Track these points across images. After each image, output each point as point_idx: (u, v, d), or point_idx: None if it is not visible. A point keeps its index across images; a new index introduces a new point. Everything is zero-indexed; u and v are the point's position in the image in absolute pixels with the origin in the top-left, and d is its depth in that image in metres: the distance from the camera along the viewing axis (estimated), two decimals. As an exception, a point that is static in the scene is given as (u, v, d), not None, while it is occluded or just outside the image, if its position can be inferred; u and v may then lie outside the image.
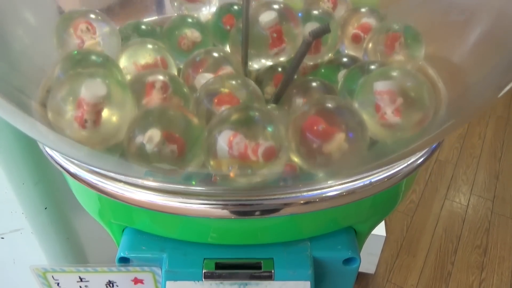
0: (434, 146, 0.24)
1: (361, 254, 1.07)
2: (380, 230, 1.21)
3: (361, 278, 1.37)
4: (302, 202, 0.18)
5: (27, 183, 0.45)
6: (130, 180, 0.19)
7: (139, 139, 0.18)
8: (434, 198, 1.66)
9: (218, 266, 0.21)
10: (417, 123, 0.21)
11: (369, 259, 1.26)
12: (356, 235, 0.23)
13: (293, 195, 0.19)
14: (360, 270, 1.22)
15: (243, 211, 0.19)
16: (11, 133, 0.41)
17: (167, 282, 0.20)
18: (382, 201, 0.22)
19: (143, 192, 0.18)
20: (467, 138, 1.97)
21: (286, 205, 0.18)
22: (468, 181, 1.74)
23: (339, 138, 0.20)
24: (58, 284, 0.24)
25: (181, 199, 0.18)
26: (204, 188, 0.19)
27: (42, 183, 0.46)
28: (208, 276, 0.20)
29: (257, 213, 0.18)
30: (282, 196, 0.18)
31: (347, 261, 0.21)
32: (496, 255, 1.45)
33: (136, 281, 0.23)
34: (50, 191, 0.48)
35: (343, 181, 0.19)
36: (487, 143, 1.95)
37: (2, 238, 0.47)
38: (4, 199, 0.44)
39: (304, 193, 0.19)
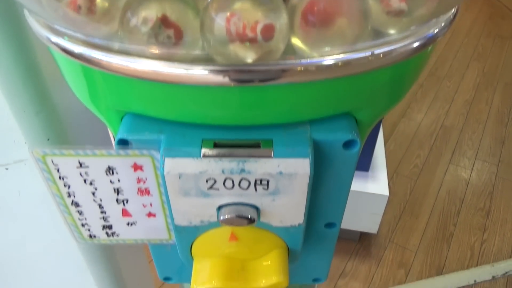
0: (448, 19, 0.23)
1: (364, 214, 1.09)
2: (383, 190, 1.21)
3: (363, 238, 1.39)
4: (300, 69, 0.18)
5: (29, 111, 0.45)
6: (129, 48, 0.18)
7: (133, 21, 0.18)
8: (439, 163, 1.65)
9: (217, 145, 0.21)
10: (424, 8, 0.20)
11: (372, 219, 1.27)
12: (358, 125, 0.23)
13: (293, 61, 0.18)
14: (363, 230, 1.24)
15: (243, 79, 0.18)
16: (10, 56, 0.40)
17: (166, 159, 0.20)
18: (383, 85, 0.21)
19: (142, 61, 0.18)
20: (474, 104, 1.94)
21: (284, 71, 0.18)
22: (473, 146, 1.73)
23: (341, 22, 0.19)
24: (58, 170, 0.24)
25: (182, 65, 0.18)
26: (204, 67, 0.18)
27: (43, 113, 0.46)
28: (207, 154, 0.20)
29: (256, 80, 0.18)
30: (282, 62, 0.18)
31: (347, 144, 0.20)
32: (499, 217, 1.45)
33: (136, 167, 0.23)
34: (53, 121, 0.48)
35: (344, 51, 0.18)
36: (494, 109, 1.92)
37: (6, 169, 0.48)
38: (6, 127, 0.44)
39: (303, 61, 0.18)
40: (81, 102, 0.26)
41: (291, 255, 0.26)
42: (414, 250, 1.35)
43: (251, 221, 0.22)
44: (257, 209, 0.23)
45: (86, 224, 0.27)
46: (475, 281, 1.26)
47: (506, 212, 1.47)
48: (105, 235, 0.28)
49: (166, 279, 0.33)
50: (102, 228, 0.28)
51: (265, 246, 0.25)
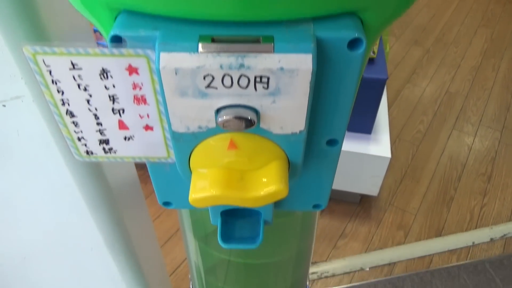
0: None
1: (365, 176, 1.09)
2: (385, 152, 1.21)
3: (364, 201, 1.39)
4: None
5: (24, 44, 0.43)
6: None
7: None
8: (442, 128, 1.64)
9: (215, 41, 0.20)
10: None
11: (373, 181, 1.27)
12: (364, 28, 0.21)
13: None
14: (364, 192, 1.24)
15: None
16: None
17: (161, 54, 0.19)
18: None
19: None
20: (480, 71, 1.91)
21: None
22: (477, 112, 1.71)
23: None
24: (50, 72, 0.23)
25: None
26: None
27: (39, 47, 0.45)
28: (204, 48, 0.19)
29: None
30: None
31: (353, 44, 0.19)
32: (500, 182, 1.45)
33: (131, 69, 0.22)
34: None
35: None
36: (500, 75, 1.89)
37: (3, 106, 0.47)
38: (1, 61, 0.43)
39: None
40: (75, 8, 0.25)
41: (291, 169, 0.25)
42: (414, 213, 1.36)
43: (250, 123, 0.21)
44: (256, 112, 0.22)
45: (83, 138, 0.27)
46: (473, 243, 1.27)
47: (507, 177, 1.47)
48: (102, 151, 0.28)
49: (166, 203, 0.33)
50: (99, 143, 0.27)
51: (265, 156, 0.24)
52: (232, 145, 0.23)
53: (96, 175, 0.56)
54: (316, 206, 0.32)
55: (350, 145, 1.23)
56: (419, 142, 1.59)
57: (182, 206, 0.33)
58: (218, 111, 0.22)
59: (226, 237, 0.31)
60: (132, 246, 0.69)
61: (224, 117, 0.21)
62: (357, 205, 1.39)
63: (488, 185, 1.45)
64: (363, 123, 1.26)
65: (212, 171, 0.24)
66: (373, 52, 1.16)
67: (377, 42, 1.21)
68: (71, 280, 0.69)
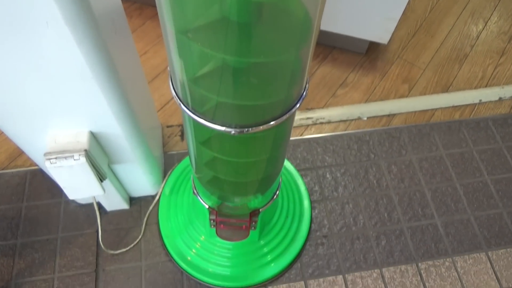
0: None
1: (378, 18, 0.92)
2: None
3: (371, 51, 1.28)
4: None
5: None
6: None
7: None
8: (469, -19, 1.44)
9: None
10: None
11: (385, 25, 1.13)
12: None
13: None
14: (373, 39, 1.11)
15: None
16: None
17: None
18: None
19: None
20: None
21: None
22: (513, -36, 1.49)
23: None
24: None
25: None
26: None
27: None
28: None
29: None
30: None
31: None
32: (522, 43, 1.32)
33: None
34: None
35: None
36: None
37: None
38: None
39: None
40: None
41: None
42: (422, 67, 1.26)
43: None
44: None
45: None
46: (480, 100, 1.20)
47: (530, 38, 1.34)
48: None
49: None
50: None
51: None
52: None
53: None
54: None
55: (367, -24, 1.05)
56: (441, -6, 1.41)
57: None
58: None
59: None
60: (117, 74, 0.59)
61: None
62: (362, 55, 1.27)
63: (508, 45, 1.32)
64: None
65: None
66: None
67: None
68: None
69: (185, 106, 0.47)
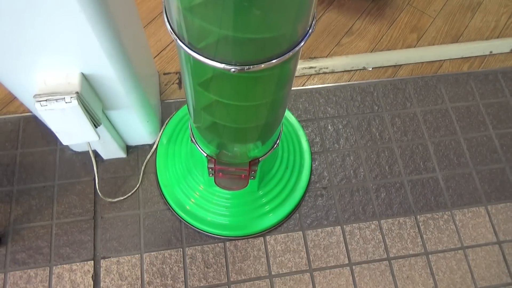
0: None
1: None
2: None
3: (379, -3, 1.21)
4: None
5: None
6: None
7: None
8: None
9: None
10: None
11: (396, -32, 1.05)
12: None
13: None
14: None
15: None
16: None
17: None
18: None
19: None
20: None
21: None
22: None
23: None
24: None
25: None
26: None
27: None
28: None
29: None
30: None
31: None
32: (539, -9, 1.25)
33: None
34: None
35: None
36: None
37: None
38: None
39: None
40: None
41: None
42: (433, 16, 1.20)
43: None
44: None
45: None
46: (490, 52, 1.15)
47: (549, -14, 1.26)
48: None
49: None
50: None
51: None
52: None
53: None
54: None
55: None
56: None
57: None
58: None
59: None
60: (108, 9, 0.54)
61: None
62: (370, 1, 1.20)
63: (525, -7, 1.25)
64: None
65: None
66: None
67: None
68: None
69: (181, 41, 0.43)
